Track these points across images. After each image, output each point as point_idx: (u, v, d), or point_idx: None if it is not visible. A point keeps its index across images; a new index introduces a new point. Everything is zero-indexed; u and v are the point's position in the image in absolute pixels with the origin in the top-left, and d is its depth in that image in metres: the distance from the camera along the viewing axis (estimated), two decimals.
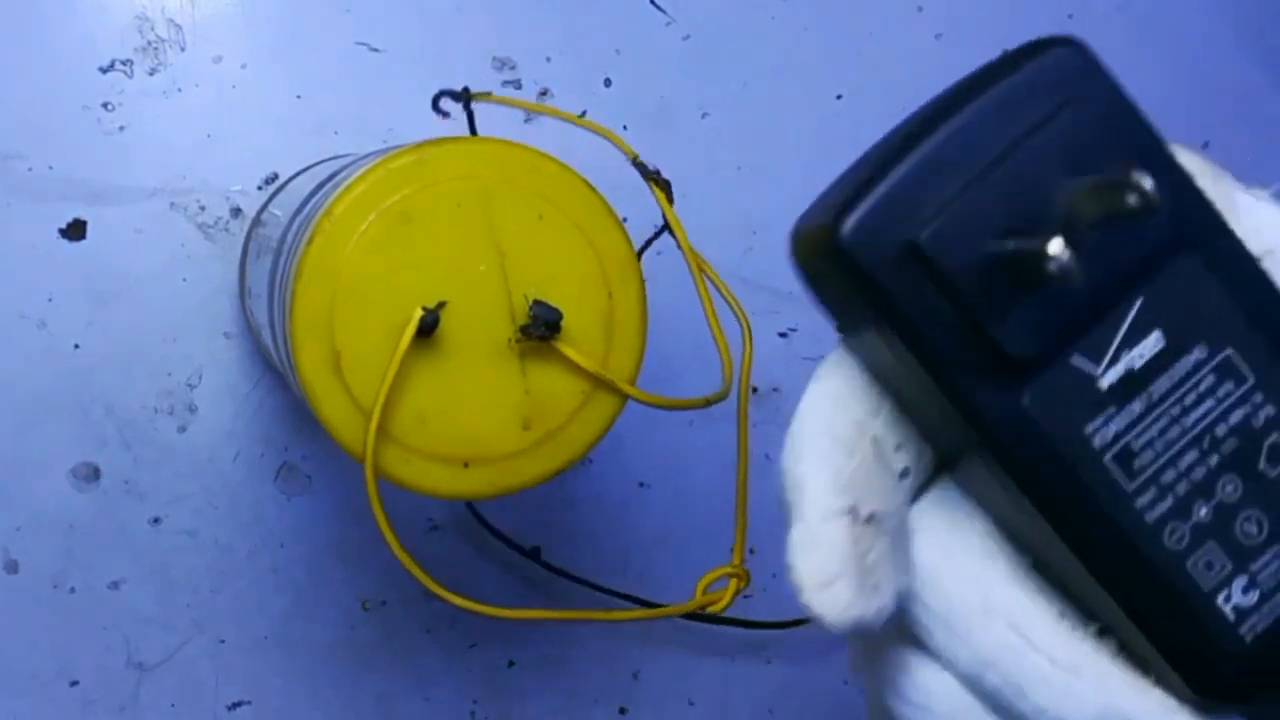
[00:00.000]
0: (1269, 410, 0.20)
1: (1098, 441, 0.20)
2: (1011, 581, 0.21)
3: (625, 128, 0.62)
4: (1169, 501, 0.20)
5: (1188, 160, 0.22)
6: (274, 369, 0.58)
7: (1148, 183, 0.18)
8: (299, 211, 0.48)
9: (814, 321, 0.66)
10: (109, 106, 0.58)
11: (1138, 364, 0.20)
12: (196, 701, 0.59)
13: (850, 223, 0.20)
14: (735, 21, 0.65)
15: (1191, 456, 0.20)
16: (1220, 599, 0.20)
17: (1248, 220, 0.21)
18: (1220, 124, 0.72)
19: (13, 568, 0.57)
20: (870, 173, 0.20)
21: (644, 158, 0.46)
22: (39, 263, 0.57)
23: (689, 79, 0.64)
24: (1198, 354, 0.20)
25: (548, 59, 0.62)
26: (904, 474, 0.21)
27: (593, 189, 0.43)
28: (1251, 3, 0.72)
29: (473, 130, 0.48)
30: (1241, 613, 0.20)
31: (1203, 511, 0.20)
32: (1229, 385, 0.20)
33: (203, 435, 0.59)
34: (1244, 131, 0.72)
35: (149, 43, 0.58)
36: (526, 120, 0.61)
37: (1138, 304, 0.20)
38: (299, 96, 0.60)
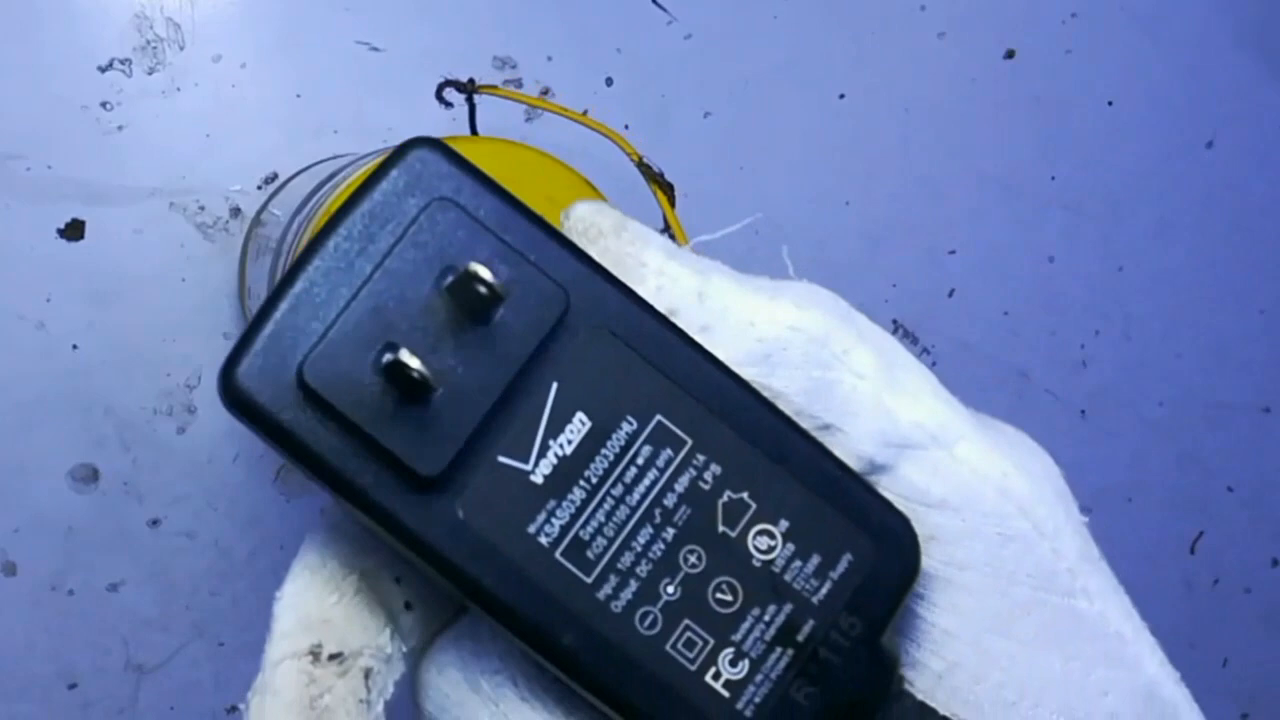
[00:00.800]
0: (715, 469, 0.19)
1: (544, 539, 0.19)
2: (523, 712, 0.20)
3: (626, 127, 0.62)
4: (633, 586, 0.19)
5: (591, 221, 0.21)
6: None
7: (485, 272, 0.18)
8: (299, 211, 0.48)
9: None
10: (108, 106, 0.57)
11: (568, 450, 0.19)
12: (196, 704, 0.59)
13: (241, 368, 0.19)
14: (737, 20, 0.64)
15: (646, 534, 0.19)
16: (709, 677, 0.19)
17: (654, 280, 0.21)
18: (1222, 123, 0.71)
19: (11, 569, 0.57)
20: (261, 311, 0.19)
21: (646, 157, 0.46)
22: (38, 263, 0.57)
23: (690, 78, 0.64)
24: (627, 427, 0.19)
25: (548, 58, 0.62)
26: (407, 607, 0.21)
27: (594, 189, 0.42)
28: (1253, 2, 0.71)
29: (473, 123, 0.47)
30: (735, 686, 0.19)
31: (670, 589, 0.19)
32: (667, 452, 0.19)
33: (202, 436, 0.58)
34: (1246, 131, 0.72)
35: (148, 42, 0.58)
36: (527, 120, 0.61)
37: (554, 390, 0.19)
38: (299, 96, 0.59)
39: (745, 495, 0.19)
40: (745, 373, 0.20)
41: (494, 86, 0.48)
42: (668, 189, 0.44)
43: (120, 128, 0.58)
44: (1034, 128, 0.69)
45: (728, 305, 0.21)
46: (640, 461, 0.19)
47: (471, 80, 0.47)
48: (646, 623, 0.19)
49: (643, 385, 0.19)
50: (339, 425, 0.19)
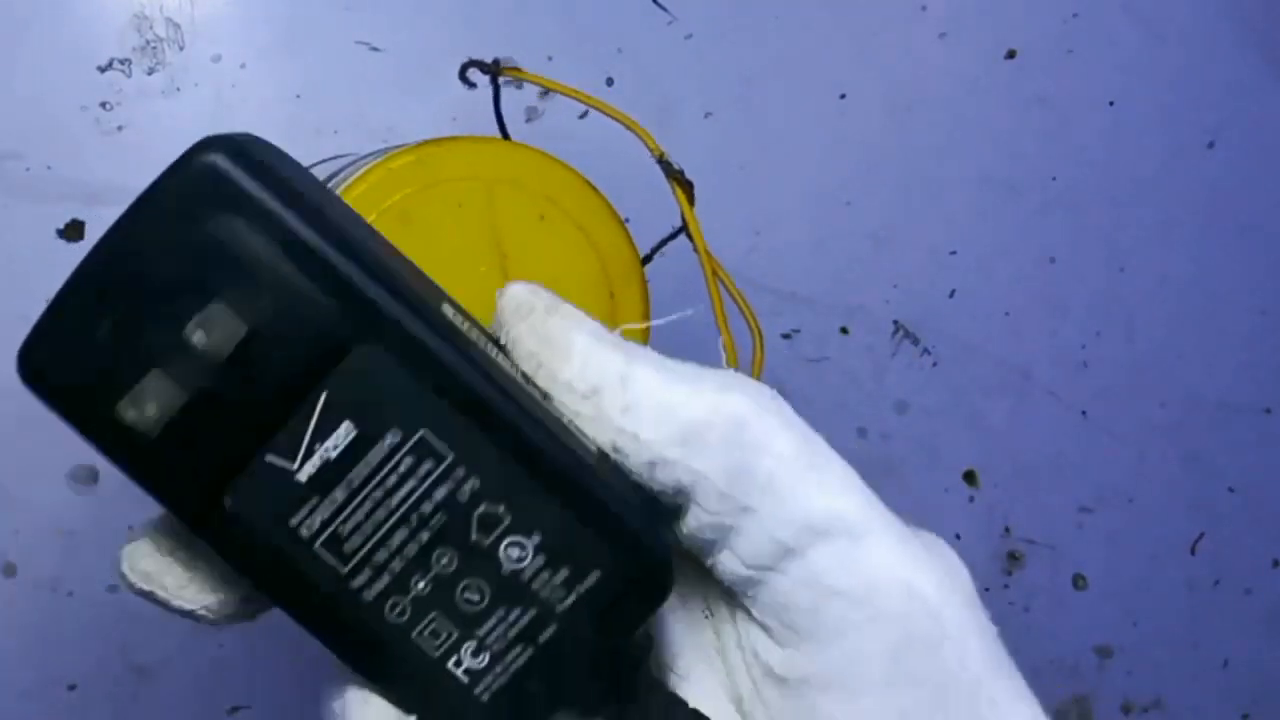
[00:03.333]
0: (473, 483, 0.21)
1: (305, 532, 0.21)
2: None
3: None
4: (385, 579, 0.22)
5: (524, 300, 0.23)
6: None
7: (198, 336, 0.20)
8: None
9: (817, 323, 0.65)
10: (107, 106, 0.57)
11: (332, 454, 0.21)
12: (196, 705, 0.59)
13: (32, 360, 0.21)
14: (738, 20, 0.64)
15: (402, 534, 0.22)
16: (451, 664, 0.22)
17: (579, 360, 0.23)
18: (1224, 123, 0.71)
19: (10, 571, 0.57)
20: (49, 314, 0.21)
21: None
22: (38, 263, 0.57)
23: (691, 78, 0.64)
24: (391, 439, 0.21)
25: (549, 58, 0.62)
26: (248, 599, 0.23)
27: (595, 189, 0.42)
28: (1256, 3, 0.71)
29: (498, 109, 0.47)
30: (474, 675, 0.22)
31: (420, 585, 0.22)
32: (429, 464, 0.21)
33: None
34: (1247, 131, 0.72)
35: (147, 42, 0.58)
36: (528, 120, 0.61)
37: (322, 399, 0.21)
38: (299, 96, 0.59)
39: (501, 509, 0.22)
40: (669, 453, 0.22)
41: (518, 69, 0.47)
42: (687, 187, 0.44)
43: (120, 128, 0.57)
44: (1035, 128, 0.69)
45: (650, 389, 0.22)
46: (402, 470, 0.21)
47: (496, 61, 0.47)
48: (396, 611, 0.22)
49: (411, 402, 0.21)
50: (123, 432, 0.21)
